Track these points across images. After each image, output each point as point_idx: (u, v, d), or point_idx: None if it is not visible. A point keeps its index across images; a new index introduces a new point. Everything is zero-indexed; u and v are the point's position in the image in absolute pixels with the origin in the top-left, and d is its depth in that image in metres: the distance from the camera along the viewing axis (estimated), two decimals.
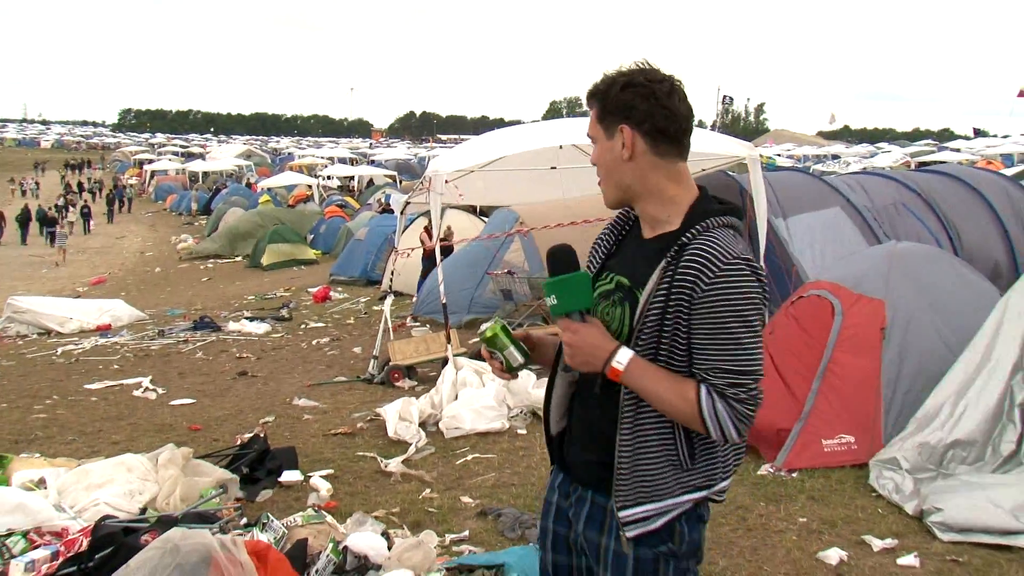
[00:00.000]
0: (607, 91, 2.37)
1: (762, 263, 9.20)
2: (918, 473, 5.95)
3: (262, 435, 7.33)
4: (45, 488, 6.13)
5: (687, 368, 2.27)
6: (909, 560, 4.97)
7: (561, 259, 2.34)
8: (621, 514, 2.33)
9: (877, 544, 5.19)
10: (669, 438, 2.30)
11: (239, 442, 7.58)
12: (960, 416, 6.08)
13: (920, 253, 7.72)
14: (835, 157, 64.68)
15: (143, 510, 5.69)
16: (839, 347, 6.90)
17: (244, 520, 5.58)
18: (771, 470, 6.49)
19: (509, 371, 2.54)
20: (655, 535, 2.34)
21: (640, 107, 2.32)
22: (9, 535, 5.34)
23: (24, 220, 41.38)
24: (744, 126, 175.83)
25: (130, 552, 4.60)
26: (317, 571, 4.62)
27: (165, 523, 5.04)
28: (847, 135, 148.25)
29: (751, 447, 6.85)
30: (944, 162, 46.46)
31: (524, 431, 8.01)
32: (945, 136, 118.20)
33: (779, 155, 63.32)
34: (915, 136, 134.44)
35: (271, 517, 5.17)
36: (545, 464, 6.99)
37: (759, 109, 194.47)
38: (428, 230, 14.48)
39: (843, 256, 9.10)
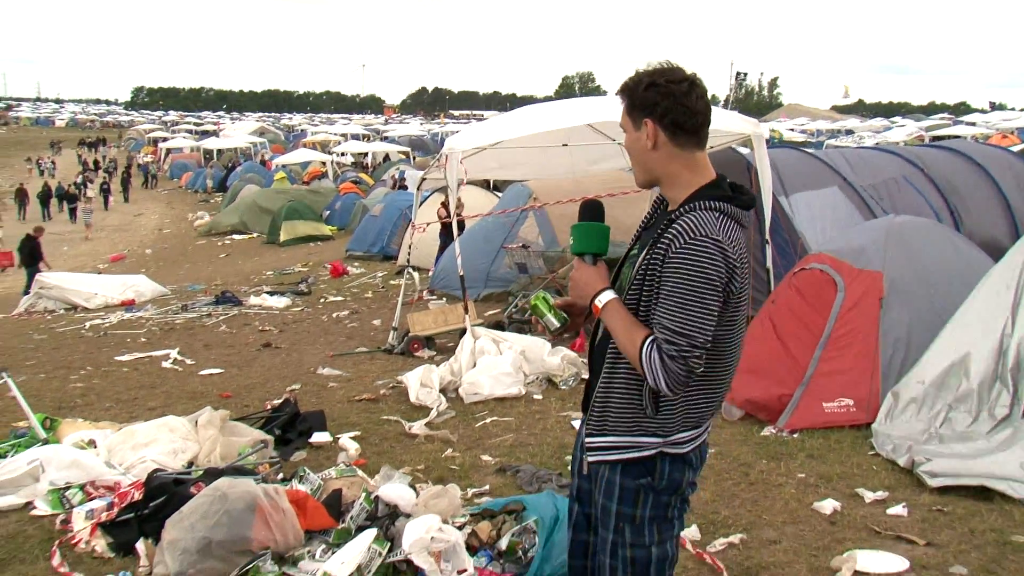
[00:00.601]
0: (634, 88, 2.75)
1: (767, 236, 9.55)
2: (913, 434, 6.31)
3: (292, 400, 7.74)
4: (95, 448, 6.58)
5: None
6: (897, 510, 5.35)
7: (591, 210, 2.88)
8: (587, 440, 2.79)
9: (869, 496, 5.58)
10: (636, 387, 2.70)
11: (269, 407, 8.00)
12: (953, 378, 6.41)
13: (917, 226, 8.05)
14: (849, 132, 64.51)
15: (189, 464, 6.12)
16: (840, 319, 7.25)
17: (280, 476, 6.01)
18: (773, 431, 6.88)
19: (550, 333, 3.03)
20: (637, 467, 2.74)
21: (661, 104, 2.70)
22: (68, 488, 5.81)
23: (45, 197, 42.32)
24: (757, 101, 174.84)
25: (181, 500, 5.04)
26: (351, 517, 5.04)
27: (211, 474, 5.48)
28: (862, 109, 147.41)
29: (752, 416, 7.25)
30: (958, 136, 46.48)
31: (540, 396, 8.41)
32: (961, 110, 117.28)
33: (792, 130, 63.29)
34: (931, 110, 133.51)
35: (307, 471, 5.60)
36: (560, 426, 7.40)
37: (772, 83, 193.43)
38: (445, 205, 14.82)
39: (844, 229, 9.43)
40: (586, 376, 3.21)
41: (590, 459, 2.79)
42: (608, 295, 2.72)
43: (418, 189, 12.30)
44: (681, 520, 2.87)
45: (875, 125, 70.99)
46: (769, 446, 6.61)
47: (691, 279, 2.55)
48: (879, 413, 6.69)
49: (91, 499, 5.74)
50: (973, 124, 60.07)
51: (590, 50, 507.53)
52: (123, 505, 5.42)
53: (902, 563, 4.63)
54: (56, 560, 5.06)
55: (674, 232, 2.61)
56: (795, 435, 6.77)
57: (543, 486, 5.80)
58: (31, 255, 20.76)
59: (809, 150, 14.42)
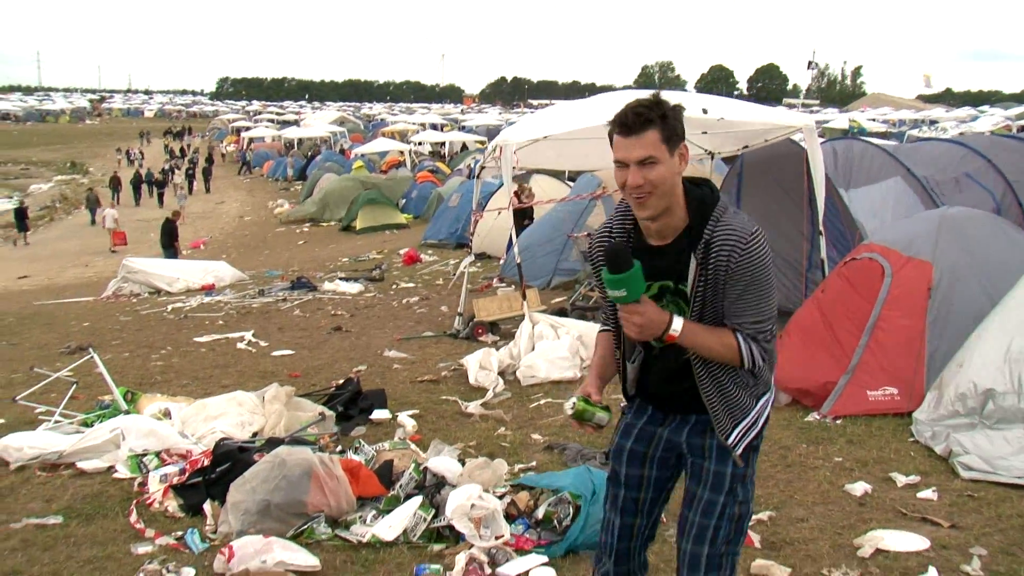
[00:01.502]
0: (667, 117, 2.82)
1: (821, 228, 9.65)
2: (952, 419, 6.41)
3: (355, 379, 8.14)
4: (170, 419, 7.08)
5: (722, 320, 2.93)
6: (927, 494, 5.49)
7: (622, 257, 2.80)
8: (728, 440, 3.00)
9: (901, 480, 5.73)
10: (731, 375, 2.98)
11: (334, 386, 8.42)
12: (996, 366, 6.47)
13: (970, 217, 8.07)
14: (933, 122, 62.87)
15: (255, 434, 6.56)
16: (887, 305, 7.36)
17: (339, 448, 6.40)
18: (817, 417, 7.03)
19: (599, 429, 3.17)
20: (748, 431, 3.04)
21: (682, 127, 2.90)
22: (145, 454, 6.29)
23: (137, 184, 44.83)
24: (840, 90, 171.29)
25: (245, 466, 5.45)
26: (401, 486, 5.39)
27: (273, 443, 5.88)
28: (949, 98, 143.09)
29: (798, 402, 7.41)
30: None
31: None
32: None
33: (873, 120, 61.99)
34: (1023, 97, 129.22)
35: (362, 443, 5.97)
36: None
37: (856, 72, 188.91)
38: (518, 194, 15.12)
39: (898, 220, 9.46)
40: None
41: (739, 451, 3.01)
42: (679, 320, 2.85)
43: (477, 177, 12.61)
44: None
45: (961, 115, 69.12)
46: (811, 431, 6.78)
47: (761, 273, 2.85)
48: (923, 402, 6.79)
49: (165, 465, 6.22)
50: None
51: (670, 39, 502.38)
52: (193, 470, 5.86)
53: (923, 543, 4.78)
54: (133, 517, 5.53)
55: (728, 244, 2.84)
56: (838, 421, 6.92)
57: (587, 464, 6.06)
58: (169, 236, 22.53)
59: (874, 140, 14.30)
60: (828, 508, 5.37)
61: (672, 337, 2.85)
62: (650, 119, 2.79)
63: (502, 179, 16.60)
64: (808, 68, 49.59)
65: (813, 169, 9.51)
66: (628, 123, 2.82)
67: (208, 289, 17.81)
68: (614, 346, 3.26)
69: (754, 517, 5.18)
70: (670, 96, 2.96)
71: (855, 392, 7.11)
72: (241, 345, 11.73)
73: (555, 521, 4.92)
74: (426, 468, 5.47)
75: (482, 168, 12.11)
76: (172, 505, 5.65)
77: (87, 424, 7.40)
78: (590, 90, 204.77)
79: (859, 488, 5.58)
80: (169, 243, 22.30)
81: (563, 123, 10.52)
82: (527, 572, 4.51)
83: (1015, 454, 5.92)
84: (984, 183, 11.10)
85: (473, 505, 4.85)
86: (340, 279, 17.26)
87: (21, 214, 34.04)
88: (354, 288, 16.30)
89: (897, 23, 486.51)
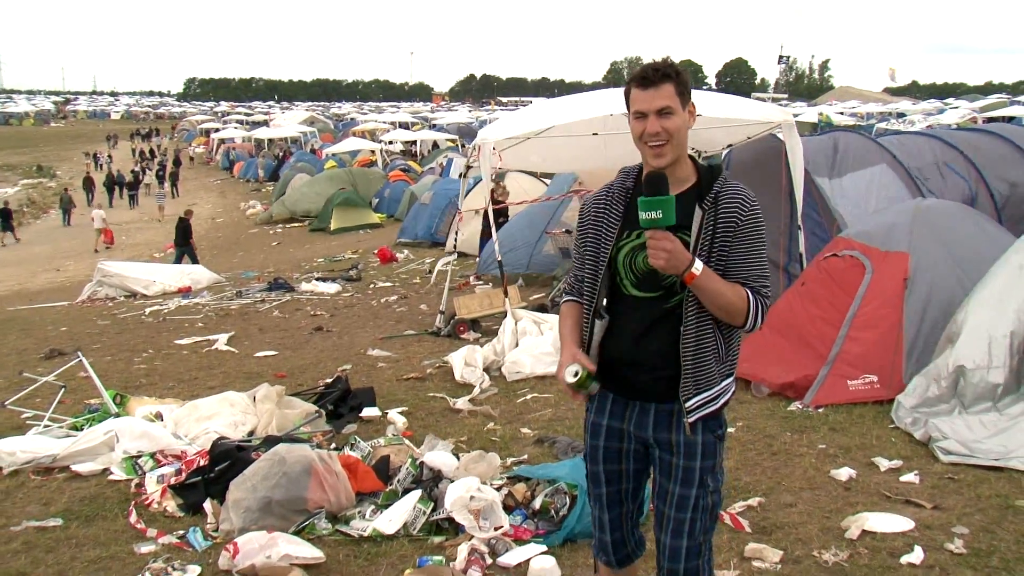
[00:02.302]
0: (680, 74, 3.10)
1: (800, 222, 9.83)
2: (931, 406, 6.60)
3: (344, 377, 8.22)
4: (162, 421, 7.12)
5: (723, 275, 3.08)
6: (910, 477, 5.67)
7: (661, 183, 2.99)
8: (687, 404, 3.09)
9: (884, 465, 5.90)
10: (712, 340, 3.09)
11: (322, 385, 8.48)
12: (971, 352, 6.66)
13: (943, 208, 8.29)
14: (900, 115, 63.58)
15: (250, 434, 6.63)
16: (866, 297, 7.55)
17: (333, 445, 6.48)
18: (799, 407, 7.20)
19: (590, 399, 3.28)
20: (713, 421, 3.14)
21: (690, 89, 3.15)
22: (140, 456, 6.35)
23: (110, 186, 45.40)
24: (808, 84, 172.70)
25: (244, 464, 5.53)
26: (399, 481, 5.49)
27: (271, 442, 5.95)
28: (915, 91, 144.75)
29: (780, 393, 7.58)
30: (1014, 117, 45.76)
31: None
32: (1020, 89, 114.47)
33: (841, 113, 62.59)
34: (988, 90, 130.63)
35: (358, 439, 6.06)
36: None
37: (823, 66, 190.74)
38: (493, 192, 15.21)
39: (874, 211, 9.65)
40: None
41: (692, 419, 3.09)
42: (700, 263, 2.97)
43: (463, 177, 12.69)
44: None
45: (927, 107, 69.96)
46: (794, 420, 6.94)
47: (760, 234, 3.09)
48: (906, 389, 6.96)
49: (160, 466, 6.28)
50: None
51: (638, 35, 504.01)
52: (190, 470, 5.93)
53: (907, 524, 4.95)
54: (133, 518, 5.59)
55: (736, 204, 3.06)
56: (820, 410, 7.08)
57: (577, 456, 6.18)
58: (184, 234, 22.65)
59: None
60: (815, 493, 5.52)
61: (692, 276, 2.95)
62: (667, 73, 3.07)
63: (474, 178, 16.83)
64: (779, 63, 50.08)
65: (792, 165, 9.68)
66: (648, 76, 3.08)
67: (185, 292, 17.76)
68: (581, 313, 3.32)
69: (744, 503, 5.34)
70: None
71: (836, 382, 7.28)
72: (219, 346, 11.75)
73: (552, 511, 5.04)
74: (422, 462, 5.57)
75: (468, 168, 12.19)
76: (171, 505, 5.71)
77: (77, 428, 7.42)
78: (559, 87, 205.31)
79: (844, 473, 5.74)
80: (184, 240, 22.58)
81: (541, 120, 10.64)
82: (527, 561, 4.62)
83: (991, 437, 6.11)
84: (960, 173, 11.35)
85: (472, 497, 4.95)
86: (316, 279, 17.31)
87: (5, 214, 34.64)
88: (332, 288, 16.35)
89: (863, 17, 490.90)
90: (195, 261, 21.89)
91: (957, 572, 4.43)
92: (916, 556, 4.56)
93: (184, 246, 22.58)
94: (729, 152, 11.39)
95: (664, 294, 3.10)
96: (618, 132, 10.75)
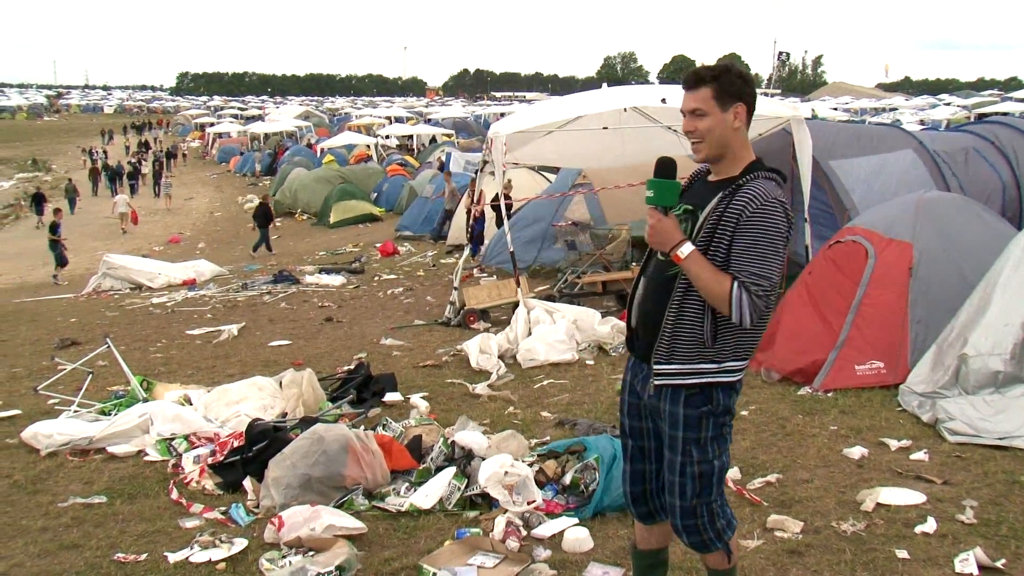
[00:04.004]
0: (725, 77, 3.29)
1: (806, 214, 10.09)
2: (937, 390, 6.85)
3: (365, 364, 8.44)
4: (192, 405, 7.33)
5: (722, 266, 3.25)
6: (919, 455, 5.93)
7: (666, 166, 3.33)
8: (655, 366, 3.34)
9: (894, 444, 6.17)
10: (699, 322, 3.28)
11: (343, 371, 8.69)
12: (977, 339, 6.91)
13: (946, 201, 8.56)
14: (892, 110, 63.96)
15: (283, 415, 6.84)
16: (871, 285, 7.81)
17: (363, 427, 6.69)
18: (809, 391, 7.45)
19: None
20: (697, 396, 3.33)
21: (748, 92, 3.35)
22: (174, 438, 6.55)
23: (112, 176, 46.61)
24: (801, 80, 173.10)
25: (282, 444, 5.75)
26: (431, 459, 5.72)
27: (307, 422, 6.18)
28: (908, 87, 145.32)
29: (790, 378, 7.83)
30: (1006, 113, 46.09)
31: (592, 362, 9.05)
32: (1012, 85, 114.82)
33: (834, 109, 62.92)
34: (980, 86, 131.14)
35: (389, 420, 6.29)
36: (611, 387, 8.01)
37: (816, 62, 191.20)
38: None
39: (880, 203, 9.90)
40: None
41: (656, 382, 3.35)
42: (689, 245, 3.22)
43: (480, 171, 12.85)
44: (730, 435, 3.49)
45: (920, 103, 70.35)
46: (805, 403, 7.20)
47: (768, 233, 3.18)
48: (910, 374, 7.22)
49: (195, 448, 6.49)
50: (1023, 101, 59.33)
51: (632, 31, 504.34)
52: (228, 450, 6.14)
53: (919, 497, 5.22)
54: (175, 495, 5.81)
55: (748, 197, 3.22)
56: (829, 394, 7.34)
57: (599, 436, 6.41)
58: (265, 217, 24.04)
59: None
60: (829, 470, 5.78)
61: (678, 258, 3.21)
62: (703, 78, 3.31)
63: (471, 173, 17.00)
64: (777, 59, 50.33)
65: (800, 161, 9.94)
66: (687, 80, 3.36)
67: (190, 284, 17.94)
68: None
69: (763, 479, 5.58)
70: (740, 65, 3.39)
71: (844, 367, 7.54)
72: (223, 337, 11.95)
73: (582, 486, 5.28)
74: (454, 441, 5.80)
75: (484, 163, 12.39)
76: (209, 484, 5.92)
77: (105, 413, 7.63)
78: (552, 82, 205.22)
79: (856, 452, 6.00)
80: (265, 223, 23.82)
81: (551, 114, 10.88)
82: (561, 533, 4.86)
83: (995, 415, 6.36)
84: (989, 160, 11.62)
85: (506, 473, 5.19)
86: (321, 272, 17.50)
87: (38, 198, 36.40)
88: (337, 280, 16.54)
89: (857, 13, 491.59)
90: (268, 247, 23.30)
91: (969, 540, 4.67)
92: (929, 526, 4.82)
93: (264, 227, 23.75)
94: None
95: (669, 260, 3.33)
96: (628, 126, 11.00)
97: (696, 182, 3.52)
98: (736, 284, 3.18)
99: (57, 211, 25.99)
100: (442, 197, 21.69)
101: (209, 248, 26.69)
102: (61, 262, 22.79)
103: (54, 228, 23.39)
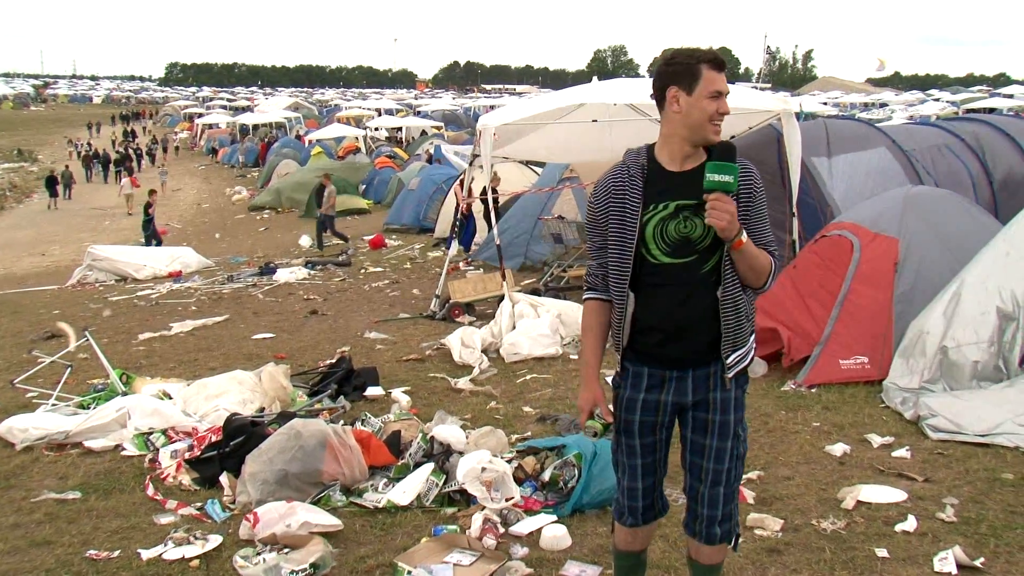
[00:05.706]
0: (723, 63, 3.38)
1: (795, 208, 10.06)
2: (923, 384, 6.83)
3: (347, 358, 8.38)
4: (170, 399, 7.26)
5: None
6: (902, 453, 5.91)
7: (733, 150, 3.23)
8: (728, 360, 3.32)
9: (877, 441, 6.14)
10: (743, 301, 3.33)
11: (324, 365, 8.64)
12: (953, 331, 6.91)
13: (932, 196, 8.54)
14: (882, 105, 64.11)
15: (261, 410, 6.78)
16: (856, 279, 7.78)
17: (342, 422, 6.64)
18: (793, 386, 7.42)
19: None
20: (743, 376, 3.40)
21: None
22: (151, 432, 6.49)
23: (106, 163, 48.85)
24: (791, 74, 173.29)
25: (259, 439, 5.69)
26: (410, 455, 5.67)
27: (285, 416, 6.11)
28: (897, 82, 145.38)
29: (774, 373, 7.80)
30: (994, 109, 46.25)
31: (576, 356, 8.99)
32: (1001, 81, 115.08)
33: (824, 104, 63.03)
34: (969, 82, 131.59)
35: (368, 415, 6.23)
36: None
37: (807, 56, 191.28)
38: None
39: (870, 195, 9.89)
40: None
41: (730, 374, 3.33)
42: (744, 232, 3.20)
43: (470, 165, 12.80)
44: None
45: (909, 99, 70.51)
46: (788, 399, 7.17)
47: (765, 200, 3.36)
48: (891, 370, 7.20)
49: (172, 442, 6.42)
50: (1011, 96, 59.46)
51: (622, 23, 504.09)
52: (205, 445, 6.08)
53: (900, 495, 5.19)
54: (150, 490, 5.75)
55: (750, 171, 3.30)
56: (812, 390, 7.31)
57: (580, 433, 6.37)
58: (320, 196, 23.06)
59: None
60: (811, 467, 5.75)
61: (740, 242, 3.17)
62: (724, 61, 3.36)
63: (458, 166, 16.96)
64: (766, 54, 50.41)
65: (789, 154, 9.90)
66: (720, 61, 3.30)
67: (175, 276, 17.84)
68: (607, 317, 3.46)
69: (744, 476, 5.54)
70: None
71: (828, 361, 7.51)
72: (213, 320, 11.89)
73: (561, 483, 5.23)
74: (433, 437, 5.74)
75: (475, 156, 12.33)
76: (186, 479, 5.86)
77: (83, 407, 7.55)
78: (543, 74, 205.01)
79: (838, 449, 5.97)
80: (319, 203, 22.62)
81: (540, 107, 10.82)
82: (539, 530, 4.81)
83: (976, 411, 6.34)
84: (960, 157, 11.65)
85: (484, 469, 5.14)
86: (308, 265, 17.41)
87: (51, 180, 38.59)
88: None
89: (848, 7, 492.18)
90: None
91: (948, 539, 4.65)
92: (910, 524, 4.79)
93: (320, 207, 23.00)
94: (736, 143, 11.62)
95: (698, 258, 3.25)
96: (622, 120, 10.93)
97: (656, 177, 3.33)
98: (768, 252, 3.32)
99: (152, 192, 26.38)
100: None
101: (196, 239, 26.54)
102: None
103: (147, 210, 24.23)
